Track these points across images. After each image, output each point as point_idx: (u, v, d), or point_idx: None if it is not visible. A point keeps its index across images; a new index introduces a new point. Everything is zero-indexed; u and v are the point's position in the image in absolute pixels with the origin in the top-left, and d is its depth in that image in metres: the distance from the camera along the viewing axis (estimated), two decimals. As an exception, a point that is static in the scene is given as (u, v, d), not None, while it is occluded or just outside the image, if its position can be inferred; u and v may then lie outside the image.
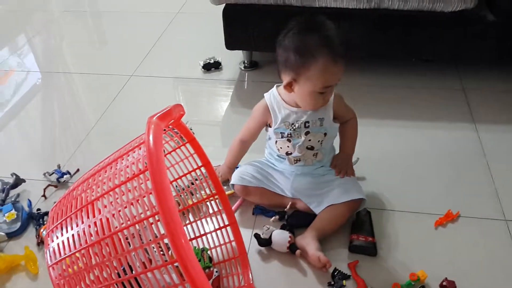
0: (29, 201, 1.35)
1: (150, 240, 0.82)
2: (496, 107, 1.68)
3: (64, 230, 0.88)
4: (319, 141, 1.21)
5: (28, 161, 1.57)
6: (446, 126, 1.61)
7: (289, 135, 1.22)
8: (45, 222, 1.27)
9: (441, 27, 1.67)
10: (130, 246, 0.80)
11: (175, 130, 1.07)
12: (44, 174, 1.45)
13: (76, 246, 0.84)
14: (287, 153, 1.25)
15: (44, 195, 1.38)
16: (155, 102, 1.84)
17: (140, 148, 0.90)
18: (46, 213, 1.30)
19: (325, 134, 1.21)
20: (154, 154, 0.77)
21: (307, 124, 1.19)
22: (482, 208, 1.28)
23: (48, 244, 0.88)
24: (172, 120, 0.97)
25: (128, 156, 0.91)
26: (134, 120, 1.71)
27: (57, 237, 0.87)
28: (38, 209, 1.33)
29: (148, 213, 0.80)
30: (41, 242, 1.23)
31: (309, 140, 1.21)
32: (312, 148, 1.22)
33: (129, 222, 0.81)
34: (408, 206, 1.30)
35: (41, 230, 1.22)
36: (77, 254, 0.84)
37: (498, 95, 1.74)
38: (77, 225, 0.86)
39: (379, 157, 1.45)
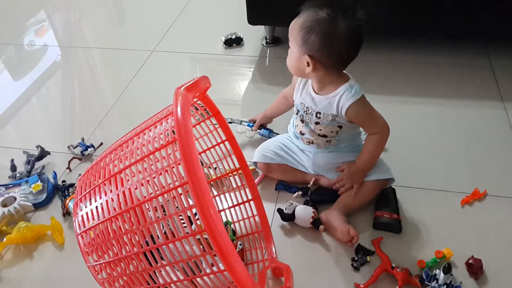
0: (54, 173, 1.36)
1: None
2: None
3: (92, 200, 0.89)
4: (332, 131, 1.18)
5: (52, 135, 1.59)
6: (474, 104, 1.58)
7: (302, 116, 1.21)
8: (70, 194, 1.29)
9: (470, 3, 1.62)
10: (152, 218, 0.81)
11: (200, 103, 1.07)
12: (68, 147, 1.47)
13: (105, 215, 0.85)
14: (300, 133, 1.24)
15: (68, 168, 1.40)
16: (176, 78, 1.83)
17: (167, 120, 0.90)
18: (71, 185, 1.32)
19: (341, 127, 1.17)
20: (182, 124, 0.76)
21: (318, 115, 1.16)
22: (509, 187, 1.26)
23: (77, 213, 0.89)
24: (198, 93, 0.96)
25: (155, 127, 0.91)
26: (156, 94, 1.72)
27: (85, 207, 0.87)
28: (63, 181, 1.35)
29: (177, 183, 0.80)
30: (66, 213, 1.25)
31: (320, 129, 1.18)
32: (324, 136, 1.20)
33: (156, 192, 0.81)
34: (434, 184, 1.28)
35: (67, 201, 1.24)
36: (103, 224, 0.86)
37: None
38: (105, 194, 0.87)
39: (405, 135, 1.42)
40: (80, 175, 1.34)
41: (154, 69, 1.89)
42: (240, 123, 1.47)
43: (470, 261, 1.05)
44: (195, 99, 1.03)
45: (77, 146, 1.46)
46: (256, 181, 1.30)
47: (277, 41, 1.96)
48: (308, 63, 1.06)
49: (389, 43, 1.86)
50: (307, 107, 1.17)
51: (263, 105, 1.58)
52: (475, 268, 1.04)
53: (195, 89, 0.88)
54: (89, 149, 1.44)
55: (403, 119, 1.49)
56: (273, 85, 1.77)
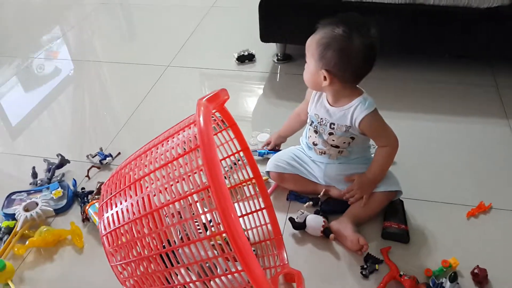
0: (74, 180, 1.42)
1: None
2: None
3: (116, 204, 0.94)
4: (344, 142, 1.23)
5: (71, 144, 1.65)
6: (479, 121, 1.63)
7: (316, 127, 1.26)
8: (89, 200, 1.34)
9: (476, 24, 1.68)
10: (169, 222, 0.86)
11: (216, 115, 1.12)
12: (87, 156, 1.53)
13: (126, 219, 0.90)
14: (313, 143, 1.29)
15: (87, 176, 1.46)
16: (190, 91, 1.90)
17: (184, 131, 0.95)
18: (90, 192, 1.37)
19: (353, 138, 1.22)
20: (205, 132, 0.82)
21: (332, 126, 1.22)
22: (514, 202, 1.30)
23: (102, 216, 0.94)
24: (218, 104, 1.01)
25: (174, 138, 0.96)
26: (171, 107, 1.78)
27: (110, 209, 0.93)
28: (83, 188, 1.41)
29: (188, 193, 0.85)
30: (86, 219, 1.30)
31: (333, 140, 1.23)
32: (337, 146, 1.25)
33: (171, 199, 0.86)
34: (440, 197, 1.32)
35: (86, 208, 1.29)
36: (125, 227, 0.91)
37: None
38: (126, 200, 0.92)
39: (413, 149, 1.47)
40: (99, 182, 1.40)
41: (169, 83, 1.96)
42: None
43: (476, 270, 1.09)
44: (213, 110, 1.08)
45: (95, 155, 1.52)
46: (269, 190, 1.35)
47: (288, 58, 2.03)
48: (325, 77, 1.12)
49: (396, 61, 1.92)
50: (321, 118, 1.23)
51: (274, 120, 1.65)
52: (480, 278, 1.08)
53: (215, 100, 0.94)
54: (107, 158, 1.49)
55: (410, 134, 1.54)
56: (284, 100, 1.83)
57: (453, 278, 1.04)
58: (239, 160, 1.20)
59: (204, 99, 0.91)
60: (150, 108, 1.80)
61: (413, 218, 1.26)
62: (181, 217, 0.89)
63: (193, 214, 0.87)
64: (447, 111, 1.68)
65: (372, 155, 1.31)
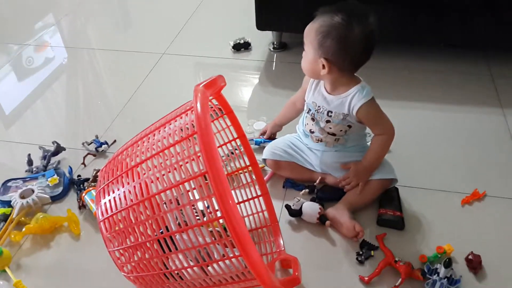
0: (70, 167, 1.42)
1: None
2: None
3: (112, 191, 0.94)
4: (341, 130, 1.23)
5: (66, 132, 1.64)
6: (474, 109, 1.64)
7: (313, 114, 1.26)
8: (85, 188, 1.34)
9: (472, 13, 1.68)
10: (167, 209, 0.86)
11: (213, 103, 1.12)
12: (83, 143, 1.52)
13: (123, 205, 0.90)
14: (310, 131, 1.29)
15: (83, 163, 1.45)
16: (186, 80, 1.90)
17: (181, 118, 0.95)
18: (86, 179, 1.37)
19: (350, 126, 1.23)
20: (202, 118, 0.82)
21: (329, 114, 1.22)
22: (508, 189, 1.31)
23: (100, 201, 0.94)
24: (215, 90, 1.01)
25: (171, 124, 0.96)
26: (167, 95, 1.78)
27: (108, 195, 0.93)
28: (79, 176, 1.40)
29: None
30: (82, 206, 1.30)
31: (330, 128, 1.24)
32: (333, 134, 1.25)
33: (170, 184, 0.86)
34: (435, 185, 1.33)
35: (83, 195, 1.29)
36: (123, 213, 0.91)
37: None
38: (123, 186, 0.92)
39: (408, 138, 1.47)
40: (95, 169, 1.40)
41: (164, 71, 1.95)
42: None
43: (470, 256, 1.10)
44: (210, 97, 1.08)
45: (91, 142, 1.51)
46: (265, 178, 1.35)
47: (284, 47, 2.02)
48: (323, 65, 1.12)
49: (392, 51, 1.92)
50: (318, 106, 1.23)
51: (270, 108, 1.65)
52: (474, 263, 1.09)
53: (212, 86, 0.94)
54: (103, 146, 1.49)
55: (406, 123, 1.54)
56: (280, 89, 1.83)
57: (448, 264, 1.05)
58: (236, 149, 1.20)
59: (201, 85, 0.90)
60: (145, 96, 1.80)
61: (408, 205, 1.27)
62: (178, 203, 0.90)
63: (191, 200, 0.87)
64: (442, 100, 1.69)
65: (368, 143, 1.33)
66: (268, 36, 2.04)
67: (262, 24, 1.89)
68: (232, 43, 2.02)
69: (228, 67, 1.99)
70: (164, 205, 0.88)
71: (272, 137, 1.48)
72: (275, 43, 2.02)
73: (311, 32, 1.12)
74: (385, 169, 1.26)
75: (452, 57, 1.89)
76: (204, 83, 0.91)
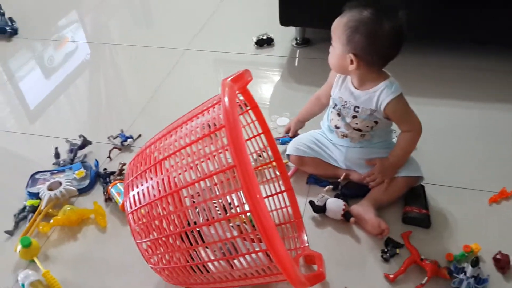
0: (96, 161, 1.44)
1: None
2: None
3: (140, 183, 0.95)
4: (367, 126, 1.22)
5: (92, 126, 1.67)
6: (502, 107, 1.60)
7: (339, 110, 1.25)
8: (111, 181, 1.36)
9: (498, 8, 1.65)
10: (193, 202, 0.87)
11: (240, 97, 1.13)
12: (109, 137, 1.54)
13: (150, 198, 0.91)
14: (335, 126, 1.28)
15: (109, 157, 1.47)
16: (209, 76, 1.91)
17: (209, 112, 0.95)
18: (112, 173, 1.39)
19: (376, 122, 1.21)
20: (230, 111, 0.82)
21: (356, 109, 1.21)
22: (538, 188, 1.28)
23: (128, 194, 0.95)
24: (242, 85, 1.01)
25: (198, 118, 0.97)
26: (190, 90, 1.79)
27: (136, 188, 0.94)
28: (105, 169, 1.42)
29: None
30: (108, 199, 1.32)
31: (356, 123, 1.23)
32: (359, 130, 1.24)
33: (196, 177, 0.87)
34: (462, 183, 1.31)
35: (109, 188, 1.31)
36: (150, 205, 0.92)
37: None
38: (151, 179, 0.93)
39: (435, 135, 1.44)
40: (120, 163, 1.42)
41: (188, 67, 1.96)
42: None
43: (498, 256, 1.08)
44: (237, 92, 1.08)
45: (117, 137, 1.53)
46: (290, 173, 1.35)
47: (307, 42, 2.01)
48: (351, 61, 1.11)
49: (419, 46, 1.88)
50: (345, 101, 1.22)
51: (293, 104, 1.64)
52: (502, 263, 1.07)
53: (240, 81, 0.94)
54: (128, 140, 1.51)
55: (432, 120, 1.50)
56: (303, 85, 1.82)
57: (475, 263, 1.03)
58: (264, 152, 1.20)
59: (228, 79, 0.91)
60: (168, 92, 1.81)
61: (434, 203, 1.26)
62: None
63: (217, 194, 0.88)
64: (469, 97, 1.66)
65: (394, 140, 1.31)
66: (291, 32, 2.03)
67: (285, 19, 1.88)
68: (255, 39, 2.02)
69: (251, 63, 1.99)
70: (191, 199, 0.89)
71: (296, 135, 1.47)
72: (298, 38, 2.01)
73: (339, 27, 1.11)
74: (412, 167, 1.25)
75: (480, 54, 1.85)
76: (232, 77, 0.92)
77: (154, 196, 0.90)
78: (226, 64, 2.01)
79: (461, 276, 1.04)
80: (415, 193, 1.26)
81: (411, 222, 1.20)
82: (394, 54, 1.12)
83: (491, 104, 1.62)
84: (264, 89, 1.83)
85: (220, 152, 0.86)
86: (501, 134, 1.48)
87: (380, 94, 1.16)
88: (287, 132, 1.47)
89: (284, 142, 1.45)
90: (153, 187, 0.92)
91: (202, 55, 2.03)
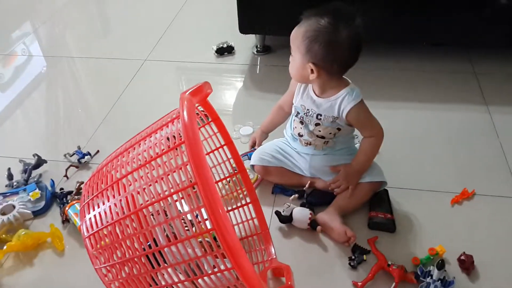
0: (52, 181, 1.37)
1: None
2: (507, 90, 1.71)
3: (98, 205, 0.91)
4: (330, 133, 1.22)
5: (46, 144, 1.60)
6: (458, 108, 1.64)
7: (301, 118, 1.24)
8: (68, 201, 1.30)
9: (454, 11, 1.69)
10: (155, 221, 0.84)
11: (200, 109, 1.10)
12: (65, 155, 1.48)
13: (109, 220, 0.87)
14: (299, 134, 1.28)
15: (66, 175, 1.41)
16: (169, 86, 1.87)
17: (167, 127, 0.92)
18: (69, 192, 1.33)
19: (339, 129, 1.21)
20: (189, 127, 0.79)
21: (319, 117, 1.20)
22: (497, 187, 1.31)
23: (84, 217, 0.90)
24: (202, 98, 0.99)
25: (157, 134, 0.93)
26: (151, 103, 1.75)
27: (93, 210, 0.89)
28: (61, 189, 1.36)
29: (172, 190, 0.83)
30: (65, 220, 1.26)
31: (319, 130, 1.22)
32: (323, 137, 1.24)
33: (158, 196, 0.83)
34: (424, 185, 1.33)
35: (66, 209, 1.25)
36: (109, 228, 0.88)
37: (509, 78, 1.77)
38: (109, 200, 0.89)
39: (395, 139, 1.46)
40: (78, 182, 1.36)
41: (147, 77, 1.91)
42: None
43: (462, 257, 1.10)
44: (197, 104, 1.05)
45: (73, 154, 1.47)
46: (254, 184, 1.33)
47: (268, 50, 2.00)
48: (312, 70, 1.11)
49: (375, 50, 1.91)
50: (307, 109, 1.21)
51: (255, 112, 1.64)
52: (467, 264, 1.09)
53: (199, 94, 0.91)
54: (86, 157, 1.45)
55: (392, 124, 1.50)
56: (265, 92, 1.81)
57: (441, 265, 1.04)
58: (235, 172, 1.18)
59: (187, 93, 0.88)
60: (128, 104, 1.76)
61: (398, 207, 1.26)
62: (166, 215, 0.87)
63: (180, 212, 0.85)
64: (427, 99, 1.69)
65: (356, 145, 1.32)
66: (251, 40, 2.02)
67: (245, 27, 1.87)
68: (215, 48, 2.00)
69: (212, 71, 1.97)
70: (152, 218, 0.85)
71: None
72: (258, 46, 2.00)
73: (297, 37, 1.11)
74: (375, 172, 1.25)
75: (434, 56, 1.90)
76: (190, 90, 0.89)
77: (112, 218, 0.85)
78: (186, 73, 1.98)
79: (428, 279, 1.04)
80: (379, 198, 1.26)
81: (376, 227, 1.20)
82: (353, 61, 1.12)
83: (447, 105, 1.66)
84: (226, 97, 1.81)
85: (180, 169, 0.83)
86: (459, 135, 1.51)
87: (341, 102, 1.16)
88: (253, 146, 1.44)
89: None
90: (112, 208, 0.88)
91: (162, 65, 1.99)
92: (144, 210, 0.84)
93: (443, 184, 1.33)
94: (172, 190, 0.83)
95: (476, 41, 1.80)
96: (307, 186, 1.30)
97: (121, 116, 1.69)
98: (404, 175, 1.36)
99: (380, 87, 1.74)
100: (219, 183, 1.21)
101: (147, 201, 0.85)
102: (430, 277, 1.05)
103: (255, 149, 1.40)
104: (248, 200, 1.20)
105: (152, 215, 0.85)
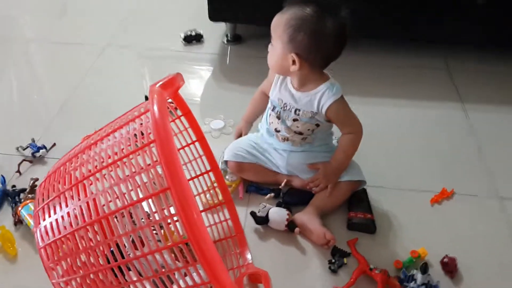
0: (3, 177, 1.23)
1: (142, 219, 0.76)
2: (481, 86, 1.71)
3: (53, 210, 0.80)
4: (309, 129, 1.16)
5: (-3, 135, 1.45)
6: (435, 105, 1.63)
7: (278, 112, 1.17)
8: (22, 200, 1.17)
9: (433, 9, 1.67)
10: (119, 225, 0.74)
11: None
12: (17, 148, 1.34)
13: (68, 227, 0.76)
14: (275, 130, 1.20)
15: (18, 171, 1.28)
16: (133, 75, 1.76)
17: (135, 122, 0.82)
18: (23, 190, 1.20)
19: (318, 125, 1.15)
20: (161, 125, 0.70)
21: (297, 112, 1.13)
22: (474, 186, 1.29)
23: (39, 224, 0.79)
24: (173, 91, 0.89)
25: (123, 130, 0.83)
26: (111, 92, 1.63)
27: (48, 216, 0.78)
28: (13, 186, 1.23)
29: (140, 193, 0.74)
30: (18, 222, 1.13)
31: (297, 126, 1.16)
32: (301, 133, 1.17)
33: (124, 202, 0.73)
34: (403, 184, 1.29)
35: (19, 209, 1.12)
36: (68, 236, 0.77)
37: (483, 75, 1.77)
38: (67, 205, 0.78)
39: (370, 136, 1.39)
40: (32, 178, 1.23)
41: (109, 65, 1.79)
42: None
43: (445, 259, 1.06)
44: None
45: (27, 147, 1.34)
46: (240, 196, 1.25)
47: (239, 39, 1.91)
48: (294, 61, 1.03)
49: (352, 45, 1.86)
50: (285, 104, 1.14)
51: (226, 105, 1.56)
52: (450, 267, 1.05)
53: (171, 87, 0.82)
54: (41, 151, 1.32)
55: (366, 120, 1.47)
56: (236, 84, 1.72)
57: (425, 269, 1.00)
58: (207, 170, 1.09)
59: (157, 85, 0.78)
60: (87, 93, 1.63)
61: (378, 206, 1.22)
62: (131, 216, 0.77)
63: (148, 215, 0.75)
64: (403, 95, 1.66)
65: (333, 141, 1.26)
66: (221, 28, 1.93)
67: (215, 15, 1.77)
68: (182, 35, 1.89)
69: (179, 60, 1.86)
70: (116, 220, 0.75)
71: None
72: (229, 35, 1.90)
73: (280, 25, 1.02)
74: (354, 171, 1.20)
75: (412, 52, 1.86)
76: (161, 82, 0.80)
77: (72, 226, 0.75)
78: (151, 62, 1.86)
79: (412, 284, 1.00)
80: (358, 198, 1.21)
81: (356, 228, 1.15)
82: (337, 55, 1.06)
83: (423, 102, 1.63)
84: (193, 88, 1.71)
85: (139, 173, 0.74)
86: (434, 133, 1.49)
87: (321, 96, 1.09)
88: (239, 137, 1.34)
89: None
90: (71, 214, 0.77)
91: (125, 52, 1.87)
92: (109, 217, 0.74)
93: (422, 183, 1.29)
94: (140, 193, 0.74)
95: (452, 38, 1.78)
96: (283, 184, 1.23)
97: (80, 106, 1.56)
98: (381, 173, 1.30)
99: (354, 82, 1.67)
100: (191, 182, 1.12)
101: (113, 209, 0.75)
102: (414, 281, 1.00)
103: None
104: (221, 199, 1.12)
105: (116, 217, 0.75)
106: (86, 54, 1.83)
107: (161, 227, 0.95)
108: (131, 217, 0.76)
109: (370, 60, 1.83)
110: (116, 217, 0.76)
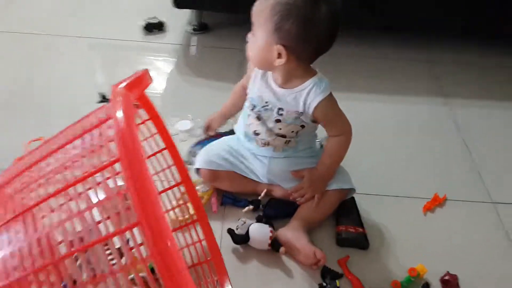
0: None
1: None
2: (463, 79, 1.65)
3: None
4: (293, 131, 1.03)
5: None
6: (417, 100, 1.54)
7: (258, 112, 1.03)
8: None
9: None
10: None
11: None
12: None
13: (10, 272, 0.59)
14: (255, 132, 1.06)
15: None
16: (86, 68, 1.56)
17: (94, 131, 0.65)
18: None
19: (303, 126, 1.02)
20: (128, 135, 0.54)
21: (280, 112, 1.00)
22: (465, 190, 1.21)
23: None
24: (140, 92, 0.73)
25: (78, 141, 0.66)
26: (61, 89, 1.44)
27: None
28: None
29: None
30: None
31: (279, 128, 1.02)
32: (283, 136, 1.04)
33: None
34: (392, 190, 1.19)
35: None
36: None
37: (464, 67, 1.70)
38: (8, 244, 0.61)
39: (357, 137, 1.29)
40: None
41: (57, 57, 1.58)
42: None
43: (446, 277, 0.97)
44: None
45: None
46: (214, 207, 1.09)
47: (205, 28, 1.75)
48: (280, 54, 0.88)
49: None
50: (266, 102, 1.00)
51: (193, 102, 1.41)
52: (451, 285, 0.96)
53: (138, 87, 0.66)
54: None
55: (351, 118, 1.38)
56: (203, 78, 1.56)
57: (427, 290, 0.90)
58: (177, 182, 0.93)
59: (121, 86, 0.62)
60: (32, 90, 1.42)
61: (367, 217, 1.10)
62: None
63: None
64: (387, 90, 1.57)
65: (317, 143, 1.13)
66: (186, 16, 1.75)
67: (180, 0, 1.59)
68: (142, 23, 1.70)
69: (138, 51, 1.68)
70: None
71: (219, 135, 1.19)
72: (194, 23, 1.73)
73: (263, 11, 0.87)
74: (343, 177, 1.07)
75: (391, 43, 1.77)
76: (127, 82, 0.63)
77: (17, 269, 0.57)
78: (107, 53, 1.67)
79: (413, 308, 0.89)
80: (346, 209, 1.09)
81: (347, 244, 1.03)
82: (328, 46, 0.92)
83: (403, 97, 1.55)
84: (155, 84, 1.50)
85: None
86: (417, 129, 1.41)
87: (308, 94, 0.96)
88: (207, 131, 1.19)
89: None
90: (16, 254, 0.59)
91: (77, 42, 1.66)
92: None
93: (411, 189, 1.20)
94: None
95: (433, 28, 1.71)
96: (262, 194, 1.09)
97: (20, 104, 1.34)
98: (367, 180, 1.18)
99: (339, 75, 1.54)
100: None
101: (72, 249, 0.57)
102: (415, 305, 0.90)
103: (210, 136, 1.17)
104: (194, 217, 0.96)
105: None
106: (31, 44, 1.61)
107: (122, 255, 0.78)
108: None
109: (347, 50, 1.70)
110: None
